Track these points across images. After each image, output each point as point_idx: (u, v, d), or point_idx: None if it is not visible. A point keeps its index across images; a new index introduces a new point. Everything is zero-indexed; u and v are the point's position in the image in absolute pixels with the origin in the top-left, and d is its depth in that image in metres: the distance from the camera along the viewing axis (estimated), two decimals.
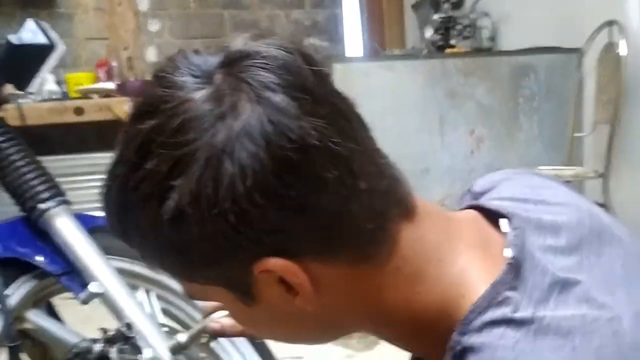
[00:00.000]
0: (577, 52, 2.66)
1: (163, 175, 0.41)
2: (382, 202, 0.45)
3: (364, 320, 0.49)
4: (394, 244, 0.46)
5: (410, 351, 0.54)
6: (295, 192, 0.41)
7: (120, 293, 0.91)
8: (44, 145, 3.89)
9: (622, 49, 2.36)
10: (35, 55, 0.94)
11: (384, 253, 0.46)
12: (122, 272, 1.01)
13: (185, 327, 1.12)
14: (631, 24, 2.43)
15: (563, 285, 0.45)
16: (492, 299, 0.44)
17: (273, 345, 2.00)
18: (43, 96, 3.81)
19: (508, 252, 0.46)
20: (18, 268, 0.87)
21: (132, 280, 1.06)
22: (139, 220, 0.44)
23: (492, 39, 3.11)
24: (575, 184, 2.57)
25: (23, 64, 0.94)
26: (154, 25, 4.50)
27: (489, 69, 2.66)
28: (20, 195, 0.91)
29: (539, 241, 0.48)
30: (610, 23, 2.47)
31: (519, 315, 0.43)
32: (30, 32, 0.92)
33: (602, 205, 2.07)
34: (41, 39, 0.93)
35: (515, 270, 0.45)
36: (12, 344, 0.79)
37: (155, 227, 0.43)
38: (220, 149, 0.40)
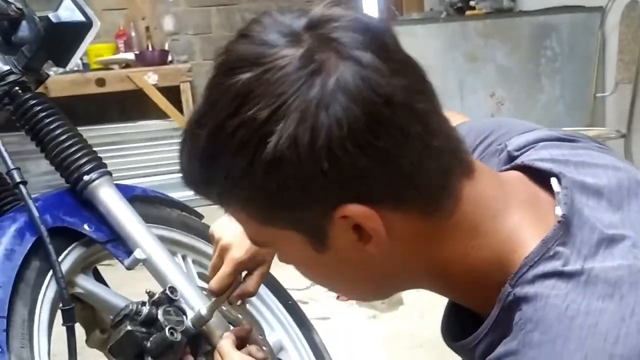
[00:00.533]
0: (599, 10, 2.62)
1: (262, 121, 0.45)
2: (449, 160, 0.49)
3: (421, 273, 0.53)
4: (456, 200, 0.50)
5: (461, 303, 0.57)
6: (383, 143, 0.45)
7: (162, 259, 0.96)
8: (68, 117, 3.96)
9: None
10: (73, 33, 0.97)
11: (448, 208, 0.50)
12: (160, 238, 1.05)
13: None
14: None
15: (610, 241, 0.48)
16: (543, 253, 0.48)
17: (301, 307, 2.07)
18: (65, 68, 3.86)
19: (558, 210, 0.50)
20: (67, 236, 0.92)
21: (169, 246, 1.11)
22: (231, 166, 0.47)
23: None
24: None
25: (62, 41, 0.97)
26: None
27: (510, 31, 2.63)
28: (65, 168, 0.96)
29: (584, 201, 0.51)
30: None
31: (568, 268, 0.47)
32: (68, 10, 0.95)
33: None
34: (78, 17, 0.96)
35: (565, 227, 0.49)
36: (68, 307, 0.85)
37: (248, 171, 0.46)
38: (315, 102, 0.44)
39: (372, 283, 0.55)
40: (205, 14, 4.55)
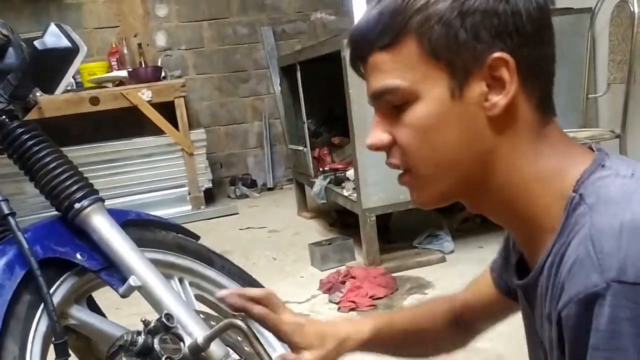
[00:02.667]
0: (588, 12, 2.62)
1: None
2: (553, 83, 0.64)
3: (505, 165, 0.62)
4: (552, 115, 0.63)
5: (517, 227, 0.65)
6: (548, 34, 0.62)
7: (157, 284, 0.95)
8: (62, 136, 3.96)
9: (634, 7, 2.32)
10: (59, 59, 0.97)
11: (549, 114, 0.63)
12: (155, 262, 1.04)
13: (218, 311, 1.16)
14: None
15: None
16: (599, 164, 0.59)
17: None
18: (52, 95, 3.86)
19: (593, 147, 0.64)
20: (59, 267, 0.91)
21: (165, 270, 1.10)
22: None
23: None
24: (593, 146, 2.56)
25: (48, 68, 0.97)
26: (161, 10, 4.49)
27: None
28: (55, 196, 0.95)
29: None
30: None
31: (622, 172, 0.58)
32: (53, 37, 0.94)
33: None
34: (64, 43, 0.95)
35: (605, 154, 0.62)
36: (60, 341, 0.83)
37: (452, 7, 0.58)
38: None
39: (467, 156, 0.62)
40: (197, 29, 4.56)
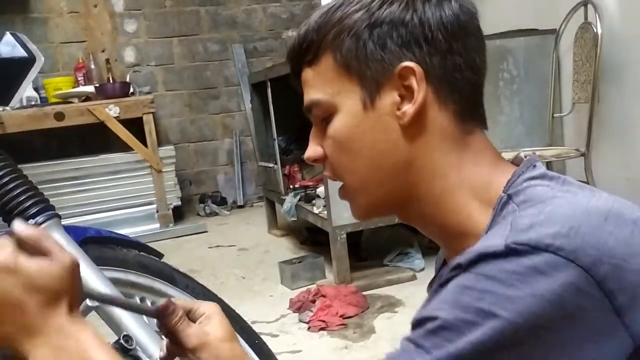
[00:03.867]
0: (552, 33, 2.68)
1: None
2: (480, 90, 0.64)
3: (426, 175, 0.61)
4: (476, 127, 0.63)
5: (440, 235, 0.65)
6: (467, 42, 0.61)
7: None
8: (26, 153, 3.86)
9: (597, 29, 2.38)
10: (15, 69, 0.93)
11: (471, 126, 0.62)
12: (115, 281, 1.00)
13: None
14: (605, 3, 2.46)
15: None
16: (529, 165, 0.60)
17: (271, 340, 2.02)
18: (22, 103, 3.76)
19: (522, 154, 0.63)
20: None
21: (125, 289, 1.06)
22: (350, 17, 0.61)
23: None
24: (558, 164, 2.61)
25: (3, 78, 0.93)
26: (130, 26, 4.45)
27: None
28: (8, 212, 0.90)
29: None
30: (584, 3, 2.50)
31: (550, 174, 0.59)
32: (9, 46, 0.91)
33: (584, 183, 2.10)
34: (20, 52, 0.92)
35: (537, 159, 0.62)
36: None
37: (363, 23, 0.60)
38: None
39: (385, 165, 0.62)
40: (167, 45, 4.53)
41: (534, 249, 0.48)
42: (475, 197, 0.61)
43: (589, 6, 2.48)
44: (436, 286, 0.57)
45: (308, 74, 0.65)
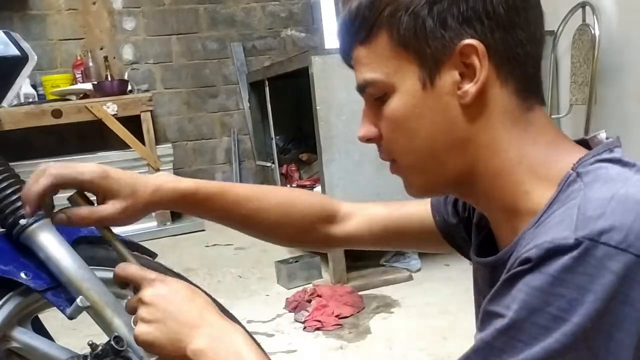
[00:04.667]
0: (550, 34, 2.68)
1: None
2: (538, 63, 0.62)
3: (485, 152, 0.60)
4: (536, 103, 0.61)
5: (496, 211, 0.63)
6: (527, 15, 0.59)
7: (107, 305, 0.90)
8: (23, 150, 3.85)
9: (595, 30, 2.38)
10: (7, 68, 0.92)
11: (532, 102, 0.60)
12: (107, 282, 1.00)
13: None
14: (603, 4, 2.46)
15: None
16: (604, 150, 0.58)
17: (266, 340, 2.01)
18: (19, 100, 3.75)
19: (603, 134, 0.62)
20: (1, 287, 0.86)
21: (117, 289, 1.05)
22: None
23: None
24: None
25: None
26: (129, 23, 4.43)
27: None
28: None
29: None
30: (582, 4, 2.50)
31: (625, 160, 0.57)
32: (1, 44, 0.90)
33: None
34: (13, 51, 0.91)
35: (618, 143, 0.60)
36: None
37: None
38: None
39: (444, 145, 0.61)
40: (165, 43, 4.52)
41: (603, 244, 0.47)
42: (534, 175, 0.59)
43: (587, 8, 2.47)
44: (503, 275, 0.54)
45: (361, 52, 0.62)
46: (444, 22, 0.57)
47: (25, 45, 0.94)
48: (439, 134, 0.60)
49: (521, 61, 0.59)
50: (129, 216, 0.77)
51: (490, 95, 0.59)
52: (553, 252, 0.48)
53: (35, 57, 0.94)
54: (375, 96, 0.63)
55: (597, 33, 2.37)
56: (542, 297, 0.48)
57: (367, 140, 0.65)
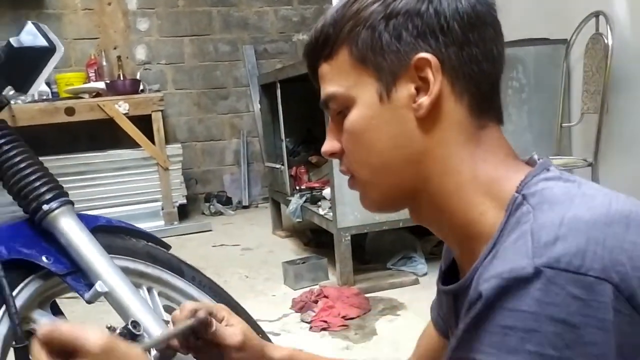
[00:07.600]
0: (563, 43, 2.69)
1: None
2: (497, 81, 0.63)
3: (438, 170, 0.61)
4: (491, 120, 0.62)
5: (451, 235, 0.64)
6: (484, 33, 0.60)
7: (125, 291, 0.92)
8: (36, 146, 3.88)
9: (608, 40, 2.39)
10: (35, 58, 0.95)
11: (485, 120, 0.61)
12: (124, 270, 1.02)
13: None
14: (617, 14, 2.47)
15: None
16: (544, 168, 0.59)
17: (272, 339, 2.02)
18: (33, 97, 3.80)
19: (535, 156, 0.62)
20: (24, 269, 0.88)
21: (134, 278, 1.07)
22: (367, 10, 0.60)
23: None
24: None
25: (23, 66, 0.95)
26: (143, 24, 4.48)
27: None
28: (23, 197, 0.92)
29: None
30: (596, 14, 2.51)
31: (565, 176, 0.58)
32: (30, 35, 0.93)
33: None
34: (41, 42, 0.93)
35: (550, 163, 0.60)
36: (21, 345, 0.80)
37: (380, 16, 0.60)
38: None
39: (399, 158, 0.62)
40: (178, 44, 4.56)
41: (564, 271, 0.47)
42: (487, 194, 0.59)
43: (601, 17, 2.49)
44: (464, 307, 0.54)
45: (325, 68, 0.64)
46: (399, 37, 0.59)
47: (53, 36, 0.96)
48: (394, 147, 0.61)
49: (476, 78, 0.60)
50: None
51: (445, 109, 0.60)
52: (514, 283, 0.48)
53: (62, 48, 0.97)
54: (337, 110, 0.64)
55: (610, 42, 2.38)
56: (516, 335, 0.48)
57: (331, 154, 0.66)
